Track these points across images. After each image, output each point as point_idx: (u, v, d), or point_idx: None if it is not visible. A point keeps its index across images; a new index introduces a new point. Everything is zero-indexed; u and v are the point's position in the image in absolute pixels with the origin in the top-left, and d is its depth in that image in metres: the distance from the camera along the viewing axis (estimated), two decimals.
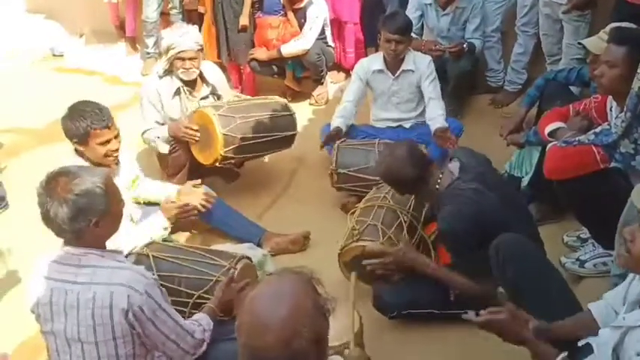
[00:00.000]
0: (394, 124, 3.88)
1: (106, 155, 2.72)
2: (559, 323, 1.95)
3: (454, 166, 2.50)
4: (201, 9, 5.21)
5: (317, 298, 1.33)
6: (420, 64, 3.73)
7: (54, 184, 1.83)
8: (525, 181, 3.22)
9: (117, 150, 2.76)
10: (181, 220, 3.07)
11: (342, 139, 3.63)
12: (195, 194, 3.11)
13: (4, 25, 6.17)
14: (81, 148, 2.71)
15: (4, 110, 4.95)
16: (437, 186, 2.48)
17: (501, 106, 4.46)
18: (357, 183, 3.42)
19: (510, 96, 4.48)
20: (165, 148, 3.61)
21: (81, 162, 2.65)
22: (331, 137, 3.66)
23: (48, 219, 1.84)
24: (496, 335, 1.90)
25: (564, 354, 1.76)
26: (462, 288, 2.42)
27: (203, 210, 3.12)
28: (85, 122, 2.64)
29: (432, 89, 3.72)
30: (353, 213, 2.94)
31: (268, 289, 1.34)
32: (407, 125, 3.87)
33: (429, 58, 3.80)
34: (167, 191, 3.15)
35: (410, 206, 2.88)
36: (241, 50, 4.91)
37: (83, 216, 1.83)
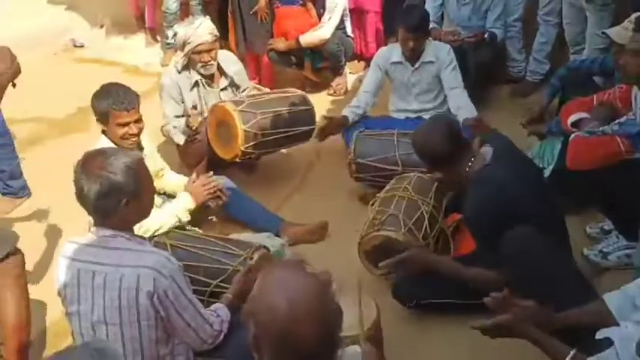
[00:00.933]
0: (413, 115, 3.85)
1: (123, 137, 2.78)
2: (569, 312, 1.93)
3: (487, 150, 2.44)
4: None
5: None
6: (439, 54, 3.69)
7: (90, 162, 1.89)
8: (547, 172, 3.17)
9: (135, 135, 2.81)
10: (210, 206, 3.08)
11: (361, 129, 3.61)
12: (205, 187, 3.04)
13: (25, 16, 6.22)
14: (104, 128, 2.80)
15: (25, 100, 4.98)
16: (467, 168, 2.42)
17: (522, 97, 4.40)
18: (376, 173, 3.39)
19: (532, 86, 4.42)
20: (181, 139, 3.64)
21: (106, 142, 2.75)
22: (331, 126, 3.71)
23: (81, 196, 1.90)
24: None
25: (574, 351, 1.74)
26: (476, 280, 2.39)
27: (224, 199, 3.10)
28: (107, 101, 2.74)
29: (452, 78, 3.67)
30: (373, 204, 2.93)
31: (290, 278, 1.33)
32: (426, 116, 3.82)
33: (448, 46, 3.76)
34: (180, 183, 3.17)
35: (431, 197, 2.86)
36: (259, 40, 4.90)
37: (114, 195, 1.87)
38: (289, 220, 3.31)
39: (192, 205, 2.90)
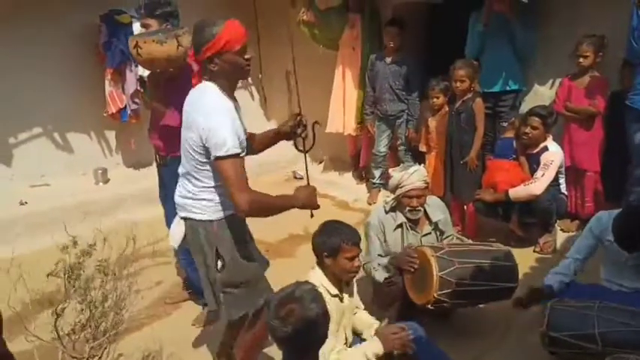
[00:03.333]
0: (628, 290, 3.40)
1: (350, 271, 2.89)
2: None
3: None
4: (422, 148, 5.44)
5: None
6: None
7: (283, 307, 2.10)
8: None
9: (358, 268, 2.93)
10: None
11: (558, 298, 3.28)
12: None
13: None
14: (328, 262, 2.91)
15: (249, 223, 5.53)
16: None
17: None
18: (573, 350, 3.02)
19: None
20: (381, 276, 3.68)
21: (320, 275, 2.92)
22: (533, 298, 3.43)
23: (275, 336, 2.12)
24: None
25: None
26: None
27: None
28: (340, 237, 2.87)
29: None
30: None
31: None
32: None
33: None
34: (371, 323, 3.16)
35: None
36: (467, 190, 4.93)
37: (303, 338, 2.06)
38: None
39: (381, 350, 2.86)
